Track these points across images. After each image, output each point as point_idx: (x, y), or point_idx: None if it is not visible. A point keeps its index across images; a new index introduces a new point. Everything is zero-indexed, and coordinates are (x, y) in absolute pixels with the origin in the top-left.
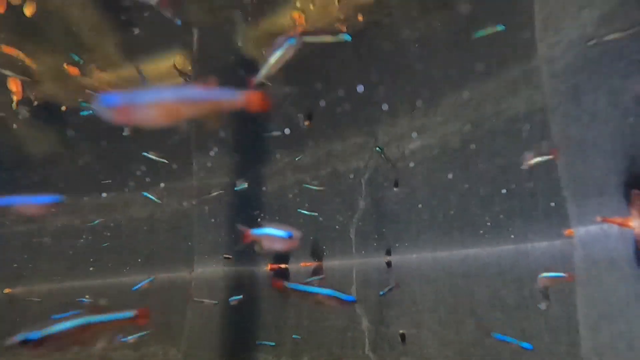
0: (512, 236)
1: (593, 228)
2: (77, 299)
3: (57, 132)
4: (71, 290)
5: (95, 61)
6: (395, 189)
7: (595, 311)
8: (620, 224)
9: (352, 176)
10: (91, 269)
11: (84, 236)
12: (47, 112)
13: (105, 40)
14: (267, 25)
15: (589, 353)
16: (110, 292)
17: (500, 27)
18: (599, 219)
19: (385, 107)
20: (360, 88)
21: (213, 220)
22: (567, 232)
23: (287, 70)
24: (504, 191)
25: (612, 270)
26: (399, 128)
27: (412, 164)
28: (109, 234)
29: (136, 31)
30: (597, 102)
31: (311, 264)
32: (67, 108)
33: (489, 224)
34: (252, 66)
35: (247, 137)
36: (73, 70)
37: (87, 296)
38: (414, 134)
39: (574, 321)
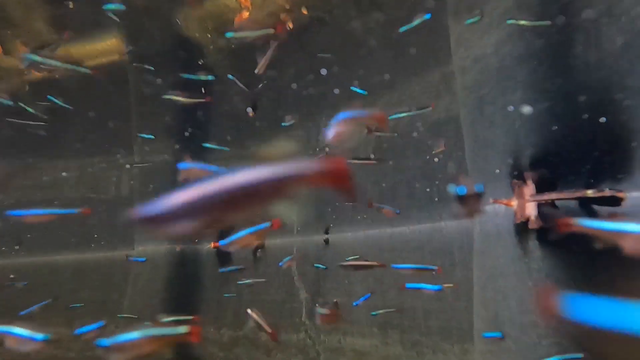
0: (429, 216)
1: (488, 207)
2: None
3: None
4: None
5: (20, 37)
6: None
7: (485, 273)
8: (505, 204)
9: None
10: (17, 247)
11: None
12: None
13: (34, 14)
14: (210, 5)
15: (478, 306)
16: (40, 271)
17: (427, 16)
18: (491, 200)
19: (325, 100)
20: (323, 71)
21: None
22: None
23: (237, 61)
24: (424, 180)
25: (498, 240)
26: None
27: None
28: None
29: (70, 5)
30: (495, 112)
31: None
32: None
33: (412, 206)
34: (193, 48)
35: (191, 126)
36: None
37: (11, 275)
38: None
39: (471, 283)
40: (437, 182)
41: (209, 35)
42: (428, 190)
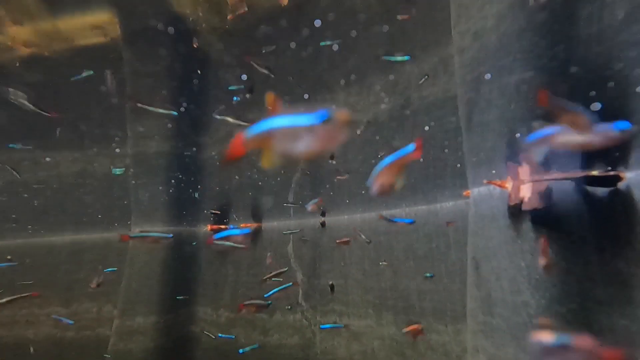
0: (425, 198)
1: (482, 189)
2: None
3: None
4: None
5: (9, 12)
6: (330, 161)
7: (479, 254)
8: (500, 186)
9: None
10: (14, 225)
11: (5, 194)
12: None
13: None
14: None
15: (471, 286)
16: (37, 252)
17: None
18: (485, 182)
19: (322, 84)
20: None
21: (151, 180)
22: (465, 192)
23: (231, 40)
24: (420, 161)
25: (492, 222)
26: (336, 102)
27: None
28: (36, 193)
29: None
30: (492, 92)
31: (251, 225)
32: None
33: (407, 188)
34: (183, 25)
35: (186, 106)
36: None
37: (8, 257)
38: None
39: (465, 265)
40: (432, 164)
41: (201, 15)
42: (424, 171)
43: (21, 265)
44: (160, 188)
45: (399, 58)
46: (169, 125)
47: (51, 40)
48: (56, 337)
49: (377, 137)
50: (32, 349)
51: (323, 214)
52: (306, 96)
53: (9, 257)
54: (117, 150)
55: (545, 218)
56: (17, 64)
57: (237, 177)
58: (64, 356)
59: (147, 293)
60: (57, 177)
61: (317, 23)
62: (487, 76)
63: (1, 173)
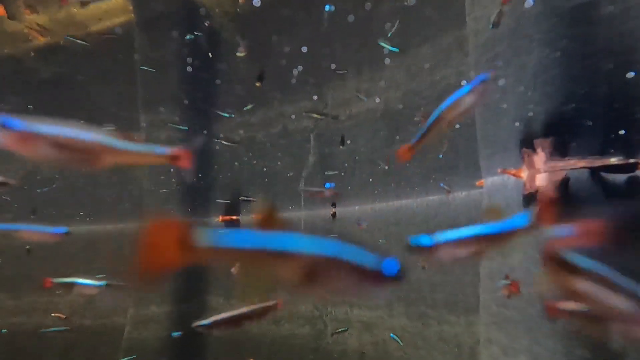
0: (437, 188)
1: (496, 178)
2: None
3: None
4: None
5: (25, 0)
6: (341, 147)
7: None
8: (514, 175)
9: (301, 134)
10: (32, 216)
11: (25, 187)
12: None
13: None
14: None
15: (484, 278)
16: (55, 242)
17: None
18: (499, 170)
19: (333, 69)
20: (309, 42)
21: (162, 171)
22: (478, 182)
23: (243, 24)
24: (432, 149)
25: (507, 213)
26: (347, 91)
27: (356, 124)
28: (53, 184)
29: None
30: (508, 76)
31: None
32: None
33: (420, 177)
34: (196, 10)
35: (198, 95)
36: None
37: (27, 247)
38: (361, 97)
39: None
40: (445, 153)
41: None
42: (436, 161)
43: (38, 255)
44: (172, 179)
45: (391, 48)
46: (180, 115)
47: (66, 28)
48: (74, 324)
49: (388, 125)
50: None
51: (334, 205)
52: (312, 80)
53: (28, 247)
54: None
55: (562, 208)
56: (32, 53)
57: (247, 168)
58: (81, 343)
59: (161, 282)
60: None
61: (328, 8)
62: (499, 63)
63: (22, 165)
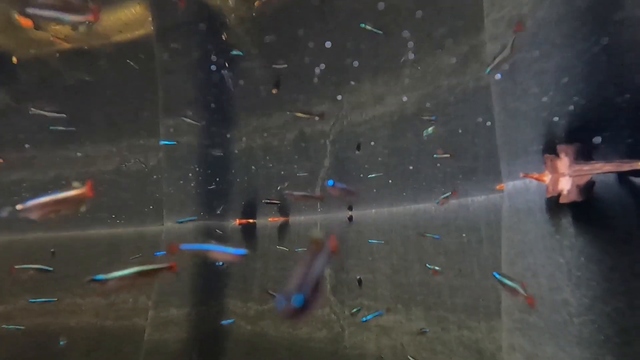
0: (456, 191)
1: (518, 183)
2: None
3: (8, 85)
4: (34, 242)
5: None
6: (357, 152)
7: (513, 250)
8: (537, 179)
9: (317, 139)
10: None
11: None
12: None
13: None
14: None
15: None
16: (75, 244)
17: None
18: (521, 175)
19: (349, 75)
20: (328, 44)
21: (181, 174)
22: (498, 186)
23: (258, 32)
24: (450, 152)
25: (529, 216)
26: (363, 96)
27: (373, 128)
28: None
29: None
30: (527, 81)
31: (278, 219)
32: (18, 60)
33: (437, 181)
34: (214, 19)
35: (215, 100)
36: (25, 22)
37: (52, 249)
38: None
39: (498, 260)
40: (463, 156)
41: (230, 5)
42: (454, 164)
43: (62, 257)
44: (191, 183)
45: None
46: (199, 120)
47: (89, 36)
48: (96, 325)
49: (404, 129)
50: (61, 342)
51: (350, 208)
52: (333, 84)
53: (52, 249)
54: (149, 145)
55: (587, 212)
56: (57, 59)
57: (264, 172)
58: (103, 344)
59: (179, 285)
60: (96, 172)
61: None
62: (523, 64)
63: (47, 171)
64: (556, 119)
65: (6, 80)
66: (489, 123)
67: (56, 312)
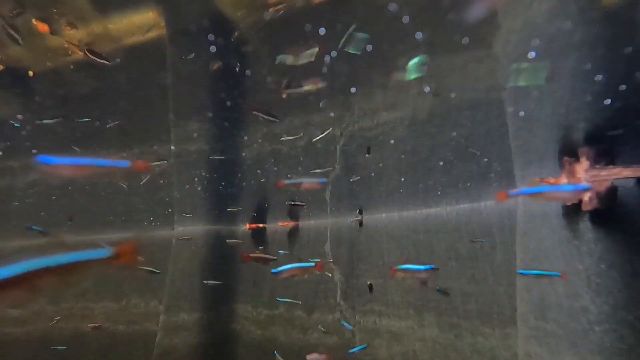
0: (468, 196)
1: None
2: None
3: (23, 97)
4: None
5: (64, 15)
6: (367, 155)
7: (528, 256)
8: (553, 184)
9: (327, 143)
10: (69, 222)
11: (63, 196)
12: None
13: None
14: None
15: (521, 289)
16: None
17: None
18: (536, 180)
19: (360, 82)
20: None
21: (191, 180)
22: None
23: (269, 37)
24: (463, 157)
25: (544, 222)
26: (374, 101)
27: (383, 133)
28: (85, 193)
29: None
30: (542, 85)
31: (288, 224)
32: (34, 74)
33: (449, 186)
34: (226, 27)
35: (225, 106)
36: (42, 27)
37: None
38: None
39: (512, 266)
40: (476, 160)
41: (242, 11)
42: (467, 168)
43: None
44: (200, 188)
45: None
46: (209, 126)
47: (102, 42)
48: (108, 329)
49: (416, 134)
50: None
51: (360, 212)
52: (340, 92)
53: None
54: (160, 150)
55: (607, 218)
56: (72, 67)
57: (274, 176)
58: (115, 347)
59: (189, 290)
60: (106, 178)
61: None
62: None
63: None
64: (573, 123)
65: (22, 92)
66: (502, 129)
67: (69, 316)
